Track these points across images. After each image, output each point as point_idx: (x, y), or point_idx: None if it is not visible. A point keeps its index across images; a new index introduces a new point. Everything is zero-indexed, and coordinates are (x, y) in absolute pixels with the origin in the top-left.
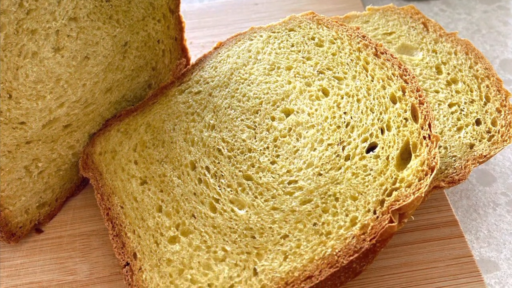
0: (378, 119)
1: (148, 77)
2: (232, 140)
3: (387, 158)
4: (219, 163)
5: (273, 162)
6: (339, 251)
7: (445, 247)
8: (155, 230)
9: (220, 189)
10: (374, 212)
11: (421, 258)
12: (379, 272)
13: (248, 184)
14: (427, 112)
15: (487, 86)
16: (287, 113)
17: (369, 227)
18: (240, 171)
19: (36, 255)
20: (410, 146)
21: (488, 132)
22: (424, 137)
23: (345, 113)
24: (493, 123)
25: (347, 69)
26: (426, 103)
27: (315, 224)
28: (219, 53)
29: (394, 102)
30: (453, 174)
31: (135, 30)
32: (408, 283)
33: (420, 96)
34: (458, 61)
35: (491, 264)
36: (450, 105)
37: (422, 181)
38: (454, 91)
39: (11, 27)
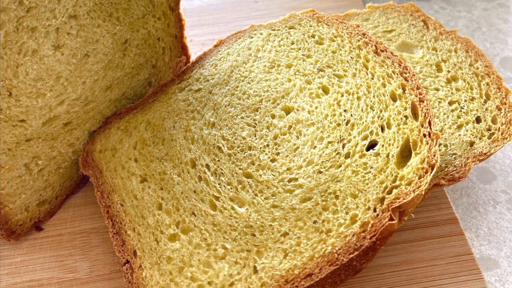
0: (378, 117)
1: (148, 75)
2: (232, 137)
3: (387, 156)
4: (219, 161)
5: (273, 160)
6: (339, 249)
7: (445, 245)
8: (155, 228)
9: (220, 187)
10: (374, 210)
11: (421, 256)
12: (379, 270)
13: (248, 182)
14: (427, 110)
15: (487, 84)
16: (287, 111)
17: (369, 225)
18: (240, 168)
19: (36, 253)
20: (410, 144)
21: (488, 130)
22: (424, 135)
23: (345, 111)
24: (493, 121)
25: (347, 67)
26: (426, 100)
27: (315, 221)
28: (219, 51)
29: (394, 100)
30: (453, 172)
31: (135, 28)
32: (408, 281)
33: (420, 94)
34: (458, 59)
35: (491, 262)
36: (450, 103)
37: (422, 179)
38: (454, 89)
39: (11, 24)
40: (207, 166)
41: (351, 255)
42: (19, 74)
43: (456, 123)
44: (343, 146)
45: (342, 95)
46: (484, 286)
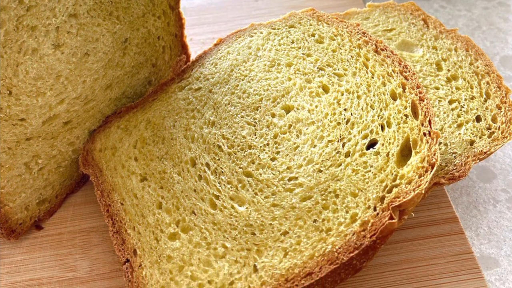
0: (378, 116)
1: (148, 74)
2: (232, 136)
3: (387, 154)
4: (219, 159)
5: (273, 159)
6: (339, 248)
7: (445, 244)
8: (155, 226)
9: (220, 186)
10: (374, 209)
11: (421, 255)
12: (379, 268)
13: (248, 181)
14: (427, 108)
15: (488, 83)
16: (287, 109)
17: (369, 224)
18: (240, 167)
19: (36, 251)
20: (410, 142)
21: (489, 128)
22: (424, 134)
23: (345, 109)
24: (493, 119)
25: (347, 65)
26: (426, 99)
27: (315, 220)
28: (219, 50)
29: (394, 99)
30: (453, 170)
31: (135, 26)
32: (408, 280)
33: (420, 92)
34: (458, 57)
35: (491, 261)
36: (450, 102)
37: (422, 177)
38: (454, 88)
39: (11, 23)
40: (207, 165)
41: (351, 254)
42: (19, 73)
43: (456, 122)
44: (343, 145)
45: (342, 94)
46: (484, 285)
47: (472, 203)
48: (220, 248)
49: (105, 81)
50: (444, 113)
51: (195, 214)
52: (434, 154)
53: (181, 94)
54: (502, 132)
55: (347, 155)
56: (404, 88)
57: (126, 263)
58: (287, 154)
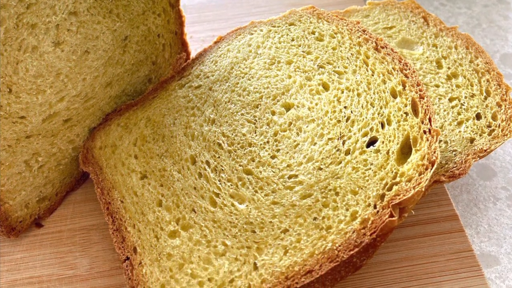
0: (378, 114)
1: (148, 71)
2: (232, 134)
3: (388, 152)
4: (219, 157)
5: (273, 157)
6: (339, 246)
7: (445, 242)
8: (155, 224)
9: (220, 184)
10: (375, 207)
11: (422, 253)
12: (379, 266)
13: (248, 179)
14: (427, 106)
15: (488, 81)
16: (288, 107)
17: (370, 222)
18: (240, 165)
19: (36, 249)
20: (411, 140)
21: (489, 126)
22: (425, 132)
23: (345, 107)
24: (494, 117)
25: (347, 63)
26: (427, 97)
27: (315, 218)
28: (219, 48)
29: (395, 97)
30: (454, 168)
31: (135, 24)
32: (409, 278)
33: (420, 90)
34: (458, 55)
35: (491, 259)
36: (450, 100)
37: (422, 175)
38: (454, 86)
39: (11, 21)
40: (207, 162)
41: (351, 252)
42: (19, 71)
43: (456, 119)
44: (343, 143)
45: (342, 92)
46: (484, 282)
47: (472, 201)
48: (220, 246)
49: (105, 78)
50: (444, 110)
51: (195, 212)
52: (434, 152)
53: (181, 92)
54: (502, 130)
55: (347, 153)
56: (404, 86)
57: (126, 261)
58: (287, 152)
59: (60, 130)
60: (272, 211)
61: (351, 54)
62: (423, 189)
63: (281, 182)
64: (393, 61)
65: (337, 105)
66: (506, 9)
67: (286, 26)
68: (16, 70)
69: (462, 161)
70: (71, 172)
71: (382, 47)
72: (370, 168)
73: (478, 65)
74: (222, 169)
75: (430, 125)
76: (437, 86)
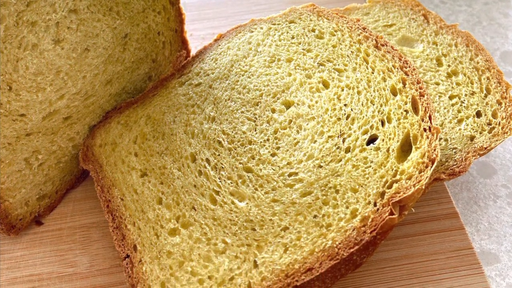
0: (378, 111)
1: (148, 69)
2: (232, 132)
3: (388, 150)
4: (219, 155)
5: (273, 154)
6: (339, 243)
7: (445, 239)
8: (155, 222)
9: (220, 181)
10: (375, 204)
11: (422, 250)
12: (379, 264)
13: (248, 176)
14: (427, 104)
15: (488, 78)
16: (288, 105)
17: (370, 219)
18: (240, 163)
19: (36, 247)
20: (411, 138)
21: (489, 124)
22: (425, 129)
23: (345, 105)
24: (494, 115)
25: (347, 61)
26: (427, 95)
27: (315, 216)
28: (220, 45)
29: (395, 94)
30: (454, 166)
31: (135, 22)
32: (409, 275)
33: (420, 88)
34: (458, 53)
35: (491, 256)
36: (450, 97)
37: (422, 173)
38: (454, 83)
39: (11, 19)
40: (207, 160)
41: (352, 250)
42: (19, 69)
43: (457, 117)
44: (344, 141)
45: (343, 90)
46: (485, 280)
47: (473, 198)
48: (220, 243)
49: (105, 76)
50: (445, 108)
51: (195, 210)
52: (435, 150)
53: (181, 89)
54: (502, 128)
55: (347, 150)
56: (404, 84)
57: (126, 259)
58: (287, 150)
59: (60, 128)
60: (272, 209)
61: (351, 51)
62: (423, 187)
63: (281, 180)
64: (393, 59)
65: (337, 103)
66: (506, 6)
67: (286, 24)
68: (16, 68)
69: (462, 159)
70: (71, 170)
71: (382, 45)
72: (370, 166)
73: (478, 62)
74: (222, 167)
75: (430, 123)
76: (437, 84)
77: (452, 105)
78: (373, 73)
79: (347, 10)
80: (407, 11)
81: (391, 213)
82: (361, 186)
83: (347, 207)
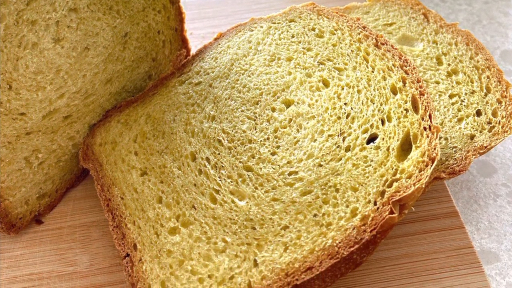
0: (378, 110)
1: (148, 68)
2: (232, 131)
3: (388, 149)
4: (219, 154)
5: (273, 153)
6: (339, 242)
7: (445, 238)
8: (155, 221)
9: (220, 180)
10: (375, 203)
11: (422, 249)
12: (379, 263)
13: (248, 175)
14: (427, 103)
15: (488, 77)
16: (288, 104)
17: (370, 218)
18: (240, 162)
19: (36, 246)
20: (411, 137)
21: (489, 123)
22: (425, 128)
23: (345, 104)
24: (494, 114)
25: (347, 60)
26: (427, 94)
27: (315, 215)
28: (220, 44)
29: (395, 93)
30: (454, 165)
31: (135, 21)
32: (409, 274)
33: (420, 87)
34: (458, 52)
35: (491, 255)
36: (450, 96)
37: (422, 172)
38: (454, 82)
39: (11, 18)
40: (207, 159)
41: (352, 249)
42: (19, 67)
43: (457, 116)
44: (344, 140)
45: (343, 88)
46: (485, 279)
47: (473, 197)
48: (220, 242)
49: (105, 75)
50: (445, 107)
51: (195, 209)
52: (435, 149)
53: (181, 88)
54: (502, 127)
55: (348, 149)
56: (404, 83)
57: (126, 258)
58: (287, 149)
59: (60, 126)
60: (272, 208)
61: (351, 50)
62: (423, 186)
63: (281, 179)
64: (393, 57)
65: (337, 101)
66: (507, 5)
67: (286, 23)
68: (16, 66)
69: (462, 158)
70: (71, 169)
71: (382, 44)
72: (370, 165)
73: (478, 61)
74: (222, 166)
75: (430, 121)
76: (437, 82)
77: (452, 104)
78: (373, 72)
79: (347, 9)
80: (407, 10)
81: (391, 212)
82: (361, 185)
83: (347, 206)
